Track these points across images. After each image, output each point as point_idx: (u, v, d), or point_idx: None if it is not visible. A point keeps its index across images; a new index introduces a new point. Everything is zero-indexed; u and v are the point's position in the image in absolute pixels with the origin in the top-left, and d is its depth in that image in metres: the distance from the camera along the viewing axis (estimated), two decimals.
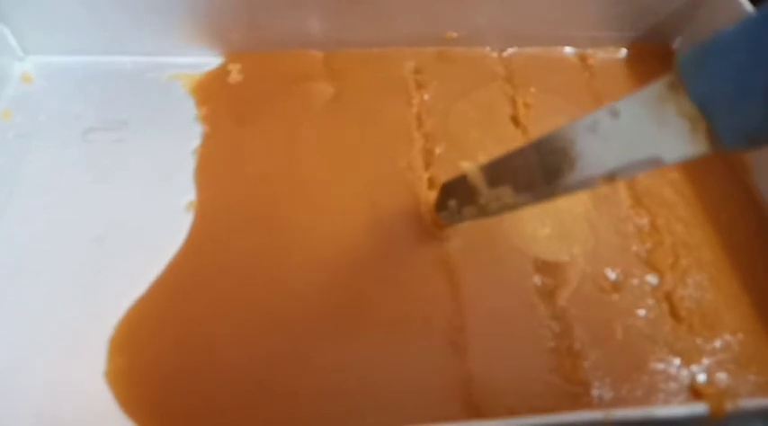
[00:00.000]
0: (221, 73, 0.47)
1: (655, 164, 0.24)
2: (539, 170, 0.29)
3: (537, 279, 0.38)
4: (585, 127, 0.27)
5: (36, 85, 0.45)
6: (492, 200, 0.32)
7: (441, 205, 0.37)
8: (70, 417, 0.31)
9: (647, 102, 0.24)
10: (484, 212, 0.33)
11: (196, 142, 0.43)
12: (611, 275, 0.38)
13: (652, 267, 0.39)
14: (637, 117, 0.24)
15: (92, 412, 0.31)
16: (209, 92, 0.46)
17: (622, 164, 0.25)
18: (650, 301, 0.37)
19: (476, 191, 0.33)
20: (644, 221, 0.41)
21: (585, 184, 0.27)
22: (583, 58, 0.52)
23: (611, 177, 0.26)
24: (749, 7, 0.44)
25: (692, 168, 0.44)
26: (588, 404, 0.33)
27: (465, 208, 0.34)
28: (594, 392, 0.34)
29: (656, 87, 0.24)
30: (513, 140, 0.45)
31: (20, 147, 0.42)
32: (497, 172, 0.32)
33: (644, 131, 0.24)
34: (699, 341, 0.36)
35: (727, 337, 0.36)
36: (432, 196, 0.40)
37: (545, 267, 0.38)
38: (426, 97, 0.47)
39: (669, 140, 0.23)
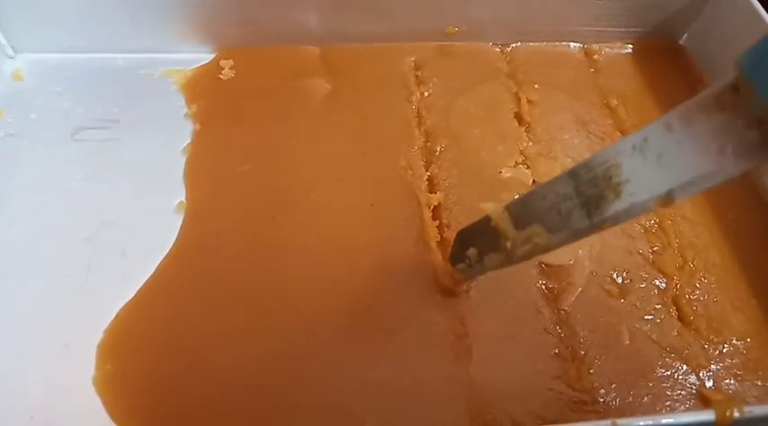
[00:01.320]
0: (213, 69, 0.46)
1: (718, 177, 0.21)
2: (577, 203, 0.26)
3: (541, 283, 0.37)
4: (631, 147, 0.24)
5: (27, 83, 0.45)
6: (521, 244, 0.28)
7: (457, 256, 0.33)
8: (62, 421, 0.31)
9: (705, 110, 0.22)
10: (510, 259, 0.29)
11: (187, 141, 0.42)
12: (618, 278, 0.37)
13: (659, 269, 0.38)
14: (695, 127, 0.22)
15: (83, 416, 0.31)
16: (200, 89, 0.45)
17: (681, 182, 0.22)
18: (657, 305, 0.37)
19: (501, 235, 0.29)
20: (651, 222, 0.40)
21: (636, 212, 0.24)
22: (588, 54, 0.51)
23: (668, 199, 0.23)
24: (756, 4, 0.44)
25: None
26: (593, 413, 0.32)
27: (488, 256, 0.30)
28: (600, 399, 0.33)
29: (714, 92, 0.21)
30: (517, 138, 0.44)
31: (10, 146, 0.41)
32: (526, 210, 0.28)
33: (704, 142, 0.21)
34: (706, 346, 0.35)
35: (735, 342, 0.36)
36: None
37: (549, 270, 0.37)
38: (427, 94, 0.46)
39: (735, 149, 0.21)
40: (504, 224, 0.29)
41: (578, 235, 0.26)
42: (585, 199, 0.26)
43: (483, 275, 0.33)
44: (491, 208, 0.30)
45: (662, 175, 0.23)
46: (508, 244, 0.29)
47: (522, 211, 0.29)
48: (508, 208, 0.30)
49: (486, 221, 0.30)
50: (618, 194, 0.24)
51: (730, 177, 0.21)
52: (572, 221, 0.26)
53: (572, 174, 0.26)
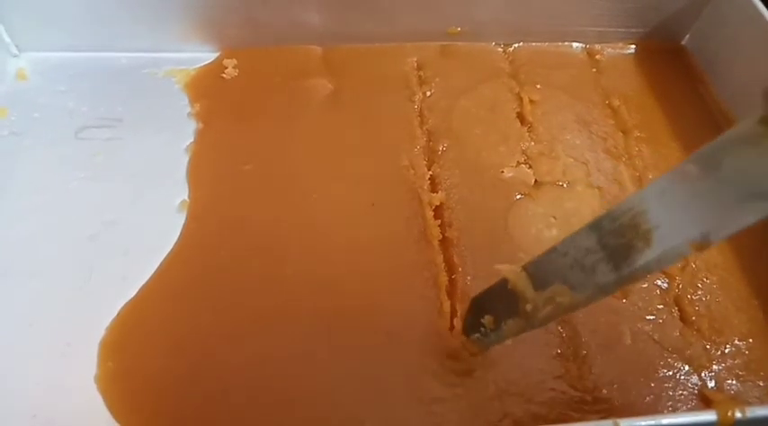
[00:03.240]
0: (216, 68, 0.47)
1: (758, 213, 0.20)
2: (602, 256, 0.24)
3: None
4: (659, 191, 0.23)
5: (31, 82, 0.45)
6: (542, 305, 0.26)
7: (471, 326, 0.32)
8: (63, 420, 0.31)
9: (735, 147, 0.21)
10: (531, 323, 0.27)
11: (190, 139, 0.42)
12: None
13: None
14: (726, 166, 0.21)
15: (84, 414, 0.31)
16: (203, 88, 0.45)
17: (717, 224, 0.21)
18: (659, 305, 0.36)
19: (520, 298, 0.27)
20: None
21: (669, 259, 0.23)
22: (590, 54, 0.51)
23: (703, 242, 0.22)
24: (758, 4, 0.44)
25: None
26: (595, 413, 0.32)
27: (505, 322, 0.29)
28: (601, 399, 0.33)
29: (743, 129, 0.21)
30: (519, 137, 0.44)
31: (14, 145, 0.41)
32: (546, 268, 0.27)
33: (738, 180, 0.21)
34: (708, 346, 0.35)
35: (737, 342, 0.36)
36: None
37: None
38: (429, 93, 0.46)
39: None
40: (523, 285, 0.27)
41: (606, 290, 0.25)
42: (611, 250, 0.24)
43: (500, 344, 0.31)
44: (507, 269, 0.28)
45: (695, 218, 0.22)
46: (528, 307, 0.27)
47: (541, 270, 0.27)
48: (525, 268, 0.28)
49: (501, 284, 0.29)
50: (648, 242, 0.23)
51: None
52: (598, 276, 0.25)
53: (593, 227, 0.25)
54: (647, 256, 0.23)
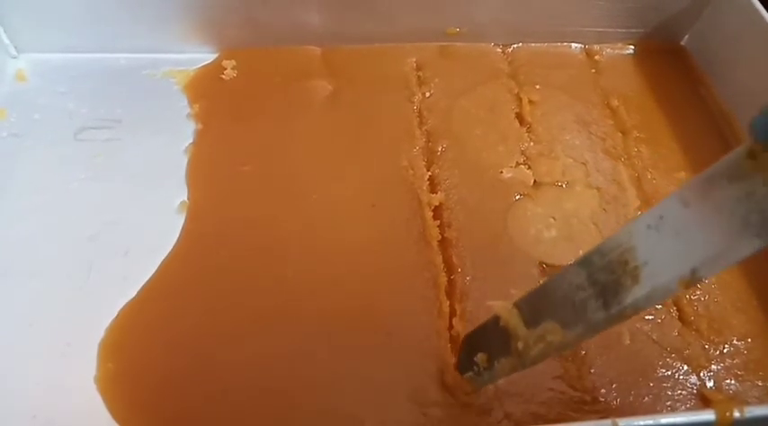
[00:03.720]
0: (215, 69, 0.47)
1: (746, 249, 0.20)
2: (591, 293, 0.24)
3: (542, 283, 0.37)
4: (645, 226, 0.22)
5: (30, 83, 0.45)
6: (533, 344, 0.26)
7: (464, 364, 0.31)
8: (63, 420, 0.31)
9: (722, 181, 0.20)
10: (523, 361, 0.27)
11: (189, 140, 0.42)
12: None
13: None
14: (713, 200, 0.21)
15: (84, 415, 0.31)
16: (202, 89, 0.45)
17: (705, 259, 0.21)
18: (658, 305, 0.36)
19: (511, 336, 0.27)
20: None
21: (658, 296, 0.23)
22: (589, 55, 0.51)
23: (692, 279, 0.21)
24: (758, 5, 0.44)
25: (699, 168, 0.43)
26: (594, 412, 0.32)
27: (498, 361, 0.28)
28: (600, 399, 0.33)
29: (730, 161, 0.20)
30: (518, 138, 0.44)
31: (13, 146, 0.41)
32: (537, 305, 0.26)
33: (725, 214, 0.20)
34: (707, 346, 0.35)
35: (736, 342, 0.36)
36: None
37: (550, 270, 0.37)
38: (428, 94, 0.46)
39: (761, 218, 0.19)
40: (515, 322, 0.27)
41: (596, 328, 0.24)
42: (601, 287, 0.24)
43: (493, 383, 0.30)
44: (499, 305, 0.28)
45: (683, 254, 0.21)
46: (520, 345, 0.26)
47: (532, 307, 0.27)
48: (517, 304, 0.27)
49: (494, 322, 0.28)
50: (636, 279, 0.22)
51: (759, 249, 0.20)
52: (588, 313, 0.24)
53: (584, 262, 0.25)
54: (635, 293, 0.23)
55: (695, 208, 0.21)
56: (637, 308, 0.23)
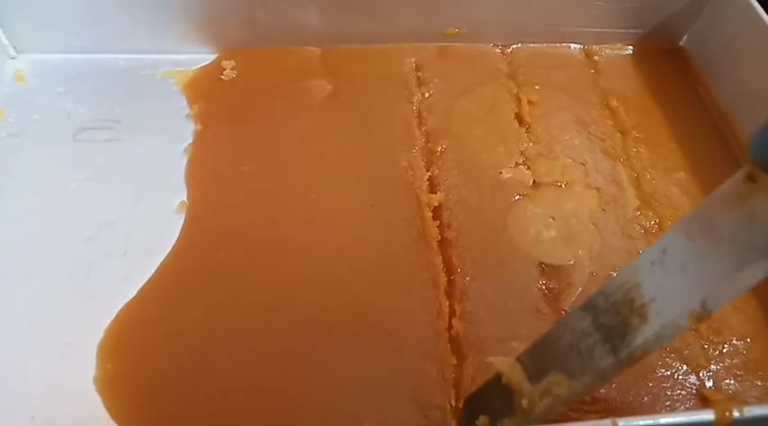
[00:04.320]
0: (214, 70, 0.47)
1: (757, 274, 0.19)
2: (597, 338, 0.23)
3: (541, 283, 0.37)
4: (649, 262, 0.22)
5: (29, 84, 0.45)
6: (539, 399, 0.24)
7: None
8: (63, 421, 0.31)
9: (724, 207, 0.20)
10: (528, 419, 0.25)
11: (189, 141, 0.42)
12: None
13: None
14: (717, 228, 0.20)
15: (83, 416, 0.31)
16: (202, 89, 0.45)
17: (714, 290, 0.20)
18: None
19: (515, 393, 0.25)
20: (651, 222, 0.40)
21: (668, 334, 0.21)
22: (588, 55, 0.51)
23: (703, 312, 0.20)
24: (757, 5, 0.44)
25: (698, 168, 0.43)
26: (593, 412, 0.32)
27: (500, 422, 0.26)
28: (600, 399, 0.33)
29: (730, 186, 0.20)
30: (518, 138, 0.44)
31: (12, 147, 0.41)
32: (541, 357, 0.25)
33: (730, 241, 0.20)
34: (706, 346, 0.35)
35: (735, 342, 0.36)
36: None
37: (549, 270, 0.37)
38: (427, 94, 0.46)
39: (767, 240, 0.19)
40: (517, 377, 0.26)
41: (604, 376, 0.23)
42: (607, 331, 0.23)
43: None
44: (500, 361, 0.27)
45: (690, 287, 0.21)
46: (524, 402, 0.25)
47: (536, 359, 0.25)
48: (520, 358, 0.26)
49: (496, 380, 0.27)
50: (644, 318, 0.21)
51: None
52: (595, 360, 0.23)
53: (587, 307, 0.24)
54: (644, 333, 0.22)
55: (699, 239, 0.21)
56: (647, 350, 0.22)
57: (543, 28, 0.49)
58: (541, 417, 0.25)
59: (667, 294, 0.21)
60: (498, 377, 0.27)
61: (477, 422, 0.27)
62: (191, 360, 0.33)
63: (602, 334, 0.23)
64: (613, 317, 0.23)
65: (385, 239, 0.38)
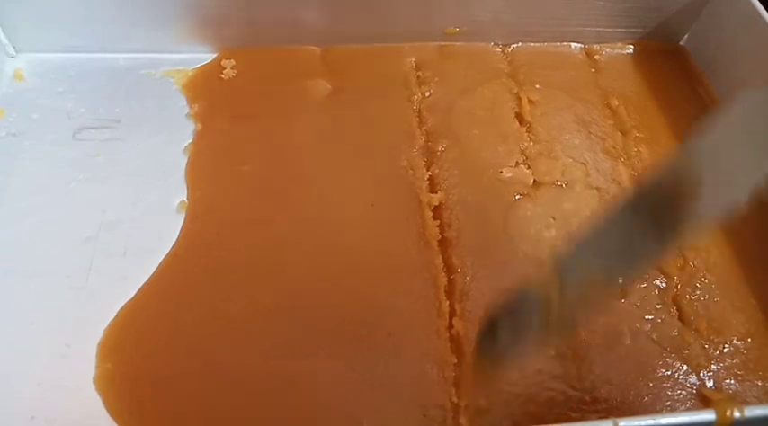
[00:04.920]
0: (214, 69, 0.47)
1: None
2: (644, 217, 0.22)
3: None
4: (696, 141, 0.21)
5: (28, 83, 0.45)
6: (573, 292, 0.24)
7: (484, 348, 0.29)
8: (63, 421, 0.31)
9: None
10: (562, 314, 0.24)
11: (189, 140, 0.42)
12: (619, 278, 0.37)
13: (659, 269, 0.38)
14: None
15: (83, 415, 0.31)
16: (202, 88, 0.45)
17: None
18: (658, 305, 0.36)
19: (543, 291, 0.25)
20: None
21: (726, 202, 0.21)
22: (589, 54, 0.51)
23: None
24: (757, 4, 0.44)
25: None
26: (594, 412, 0.32)
27: (525, 331, 0.26)
28: (600, 399, 0.33)
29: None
30: (518, 138, 0.44)
31: (12, 146, 0.41)
32: (577, 250, 0.24)
33: None
34: (707, 346, 0.35)
35: (736, 342, 0.36)
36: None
37: None
38: (428, 94, 0.46)
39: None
40: (548, 273, 0.25)
41: (649, 254, 0.23)
42: (656, 203, 0.22)
43: (517, 357, 0.28)
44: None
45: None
46: (555, 296, 0.24)
47: (571, 254, 0.25)
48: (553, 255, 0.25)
49: (520, 296, 0.26)
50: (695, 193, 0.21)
51: None
52: (635, 248, 0.23)
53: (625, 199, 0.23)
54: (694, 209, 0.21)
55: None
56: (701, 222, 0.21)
57: (544, 27, 0.49)
58: (570, 316, 0.25)
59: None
60: (518, 294, 0.26)
61: (499, 338, 0.27)
62: (190, 360, 0.33)
63: (650, 210, 0.22)
64: (661, 192, 0.22)
65: (385, 239, 0.38)
